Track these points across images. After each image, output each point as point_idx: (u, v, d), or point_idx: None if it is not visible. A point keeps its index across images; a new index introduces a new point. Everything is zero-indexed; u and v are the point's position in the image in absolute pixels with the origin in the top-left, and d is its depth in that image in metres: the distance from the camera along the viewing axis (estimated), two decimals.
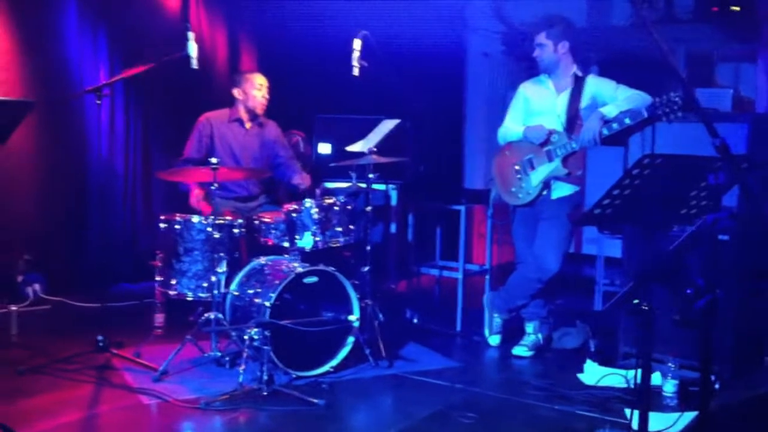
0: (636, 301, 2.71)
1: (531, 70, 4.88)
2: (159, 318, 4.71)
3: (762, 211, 2.36)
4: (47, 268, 5.63)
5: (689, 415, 3.48)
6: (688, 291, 2.24)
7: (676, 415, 3.62)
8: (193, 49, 4.34)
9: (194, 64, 4.37)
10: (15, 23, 5.41)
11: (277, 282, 4.15)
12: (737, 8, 6.80)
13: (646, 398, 2.84)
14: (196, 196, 4.89)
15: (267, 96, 5.14)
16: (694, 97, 2.93)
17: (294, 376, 4.13)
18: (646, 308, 2.71)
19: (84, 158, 5.90)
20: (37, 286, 5.46)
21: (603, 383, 4.21)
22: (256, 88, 5.08)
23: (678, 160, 2.61)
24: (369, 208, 4.79)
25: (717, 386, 4.03)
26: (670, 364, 4.04)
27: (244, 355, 4.00)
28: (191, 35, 4.35)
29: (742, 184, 2.19)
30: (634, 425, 2.93)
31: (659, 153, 2.58)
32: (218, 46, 6.77)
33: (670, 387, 3.99)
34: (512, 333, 5.05)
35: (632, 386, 2.97)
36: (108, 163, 6.02)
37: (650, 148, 4.33)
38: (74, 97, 5.65)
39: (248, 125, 5.16)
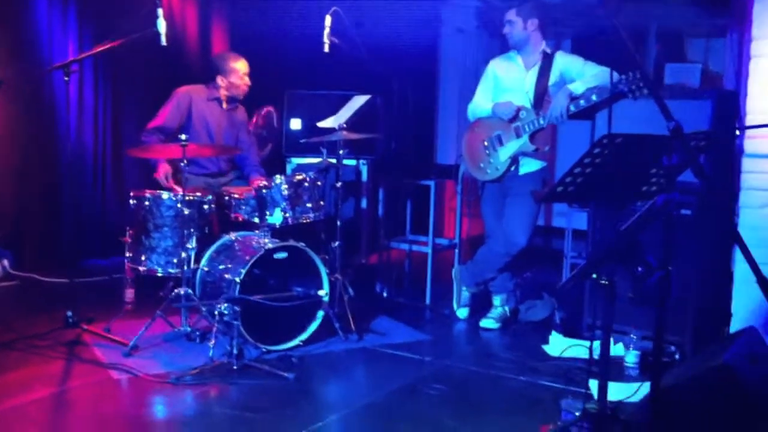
0: (595, 276, 2.79)
1: (505, 45, 4.91)
2: (129, 293, 4.74)
3: (714, 190, 2.42)
4: (18, 244, 5.61)
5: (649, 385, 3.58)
6: (639, 269, 2.30)
7: (636, 384, 3.72)
8: (162, 25, 4.34)
9: (163, 40, 4.37)
10: None
11: (247, 258, 4.18)
12: None
13: (605, 369, 2.92)
14: (164, 171, 4.85)
15: (249, 82, 5.16)
16: (649, 78, 2.98)
17: (264, 350, 4.18)
18: (606, 282, 2.79)
19: (53, 134, 5.86)
20: (5, 262, 5.41)
21: (567, 354, 4.31)
22: (240, 78, 5.09)
23: (637, 140, 2.66)
24: (339, 184, 4.82)
25: (677, 357, 4.15)
26: (632, 336, 4.14)
27: (214, 329, 4.04)
28: (160, 12, 4.34)
29: (694, 165, 2.25)
30: (596, 395, 3.02)
31: (619, 132, 2.62)
32: (189, 21, 6.71)
33: (631, 358, 4.10)
34: (480, 306, 5.14)
35: (594, 357, 3.05)
36: (77, 140, 5.99)
37: (615, 124, 4.40)
38: (43, 74, 5.60)
39: (225, 105, 5.17)
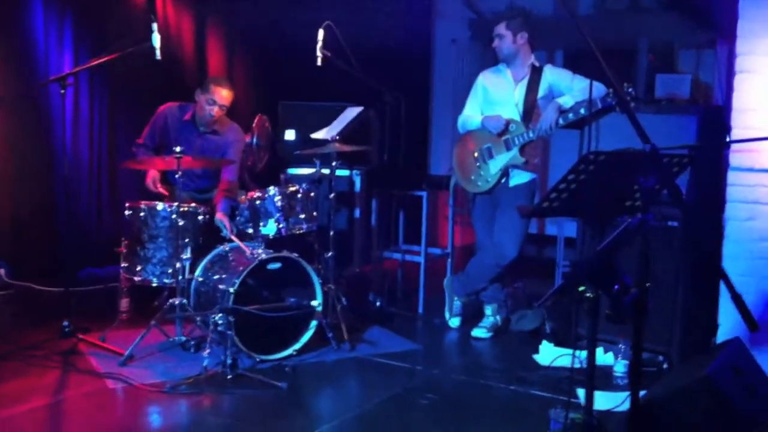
0: (581, 289, 2.85)
1: (497, 56, 4.97)
2: (124, 303, 4.78)
3: (689, 212, 2.48)
4: (14, 254, 5.66)
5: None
6: (615, 288, 2.36)
7: (624, 394, 3.77)
8: (157, 40, 4.41)
9: (158, 54, 4.44)
10: None
11: (241, 268, 4.24)
12: None
13: (591, 379, 2.98)
14: (152, 177, 4.89)
15: (218, 112, 4.91)
16: (625, 99, 3.06)
17: (258, 359, 4.23)
18: (591, 296, 2.85)
19: (50, 146, 5.91)
20: (1, 271, 5.50)
21: (557, 364, 4.35)
22: (208, 103, 4.87)
23: (619, 157, 2.73)
24: (332, 195, 4.89)
25: (665, 367, 4.22)
26: (620, 345, 4.21)
27: (209, 339, 4.09)
28: (155, 26, 4.41)
29: (670, 189, 2.31)
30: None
31: (602, 150, 2.69)
32: (184, 34, 6.77)
33: (620, 367, 4.17)
34: (472, 315, 5.20)
35: (582, 366, 3.11)
36: (73, 151, 6.04)
37: (601, 135, 4.48)
38: (39, 87, 5.65)
39: (201, 128, 5.03)
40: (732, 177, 4.12)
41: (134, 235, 4.49)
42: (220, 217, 4.68)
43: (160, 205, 4.48)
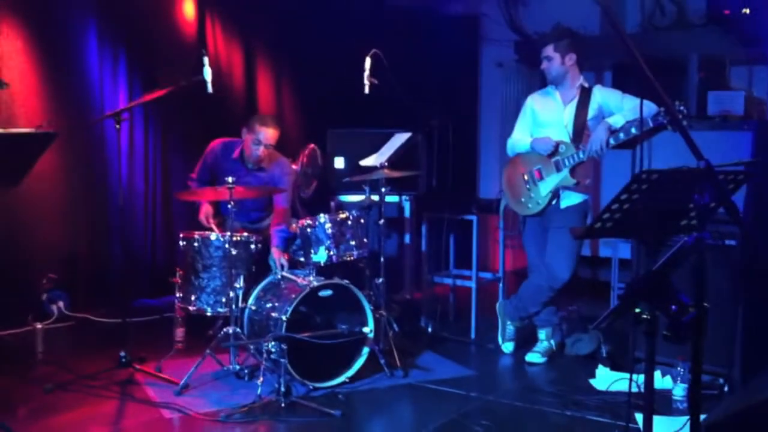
0: (638, 310, 2.80)
1: (544, 78, 4.95)
2: (179, 333, 4.83)
3: (746, 229, 2.43)
4: (71, 285, 5.78)
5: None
6: (673, 308, 2.31)
7: (684, 418, 3.69)
8: (208, 73, 4.49)
9: (209, 88, 4.51)
10: (38, 51, 5.56)
11: (293, 296, 4.26)
12: (747, 11, 6.85)
13: (650, 404, 2.91)
14: (204, 212, 4.98)
15: (264, 152, 4.92)
16: (678, 117, 3.01)
17: (311, 387, 4.24)
18: (648, 317, 2.79)
19: (105, 179, 6.05)
20: (61, 304, 5.61)
21: (614, 388, 4.28)
22: (254, 143, 4.89)
23: (673, 175, 2.68)
24: (382, 221, 4.90)
25: (726, 389, 4.11)
26: (679, 368, 4.11)
27: (262, 367, 4.12)
28: (206, 60, 4.49)
29: (726, 205, 2.26)
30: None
31: (655, 169, 2.65)
32: (234, 65, 6.88)
33: (679, 391, 4.07)
34: (526, 340, 5.14)
35: (641, 390, 3.04)
36: (128, 184, 6.16)
37: (653, 154, 4.41)
38: (95, 123, 5.80)
39: (249, 166, 5.06)
40: None
41: (188, 264, 4.55)
42: (273, 253, 4.73)
43: (213, 235, 4.54)
